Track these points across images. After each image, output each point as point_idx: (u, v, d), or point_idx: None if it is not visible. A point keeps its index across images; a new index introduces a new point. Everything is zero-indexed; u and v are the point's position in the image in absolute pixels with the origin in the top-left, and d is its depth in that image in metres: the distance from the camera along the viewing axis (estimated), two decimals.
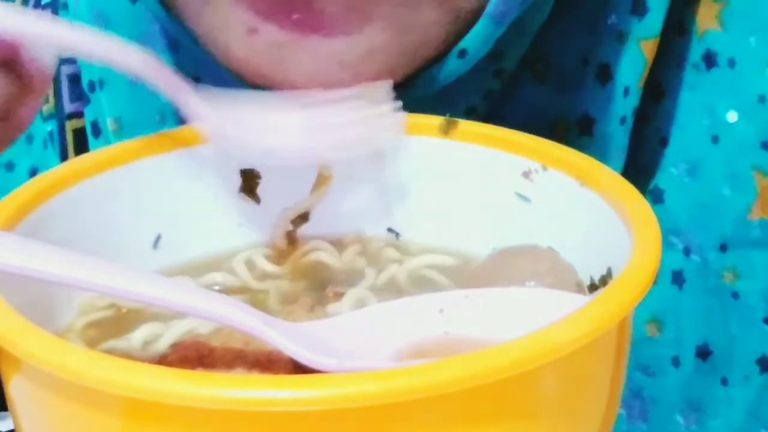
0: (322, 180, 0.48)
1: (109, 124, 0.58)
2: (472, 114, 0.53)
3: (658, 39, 0.53)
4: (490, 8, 0.48)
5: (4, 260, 0.37)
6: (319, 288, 0.45)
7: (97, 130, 0.59)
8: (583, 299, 0.39)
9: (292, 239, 0.48)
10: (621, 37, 0.53)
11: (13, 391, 0.37)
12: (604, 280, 0.41)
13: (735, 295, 0.55)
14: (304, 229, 0.48)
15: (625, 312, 0.36)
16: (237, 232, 0.48)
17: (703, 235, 0.55)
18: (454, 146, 0.47)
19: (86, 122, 0.60)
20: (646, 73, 0.54)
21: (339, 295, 0.44)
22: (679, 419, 0.57)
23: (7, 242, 0.38)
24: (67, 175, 0.44)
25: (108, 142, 0.58)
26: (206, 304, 0.37)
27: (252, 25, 0.47)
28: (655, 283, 0.54)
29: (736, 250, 0.55)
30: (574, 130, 0.54)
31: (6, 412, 0.38)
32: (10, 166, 0.63)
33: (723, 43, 0.54)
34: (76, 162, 0.45)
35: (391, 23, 0.47)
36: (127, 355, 0.41)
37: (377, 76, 0.47)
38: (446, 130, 0.47)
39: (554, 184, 0.44)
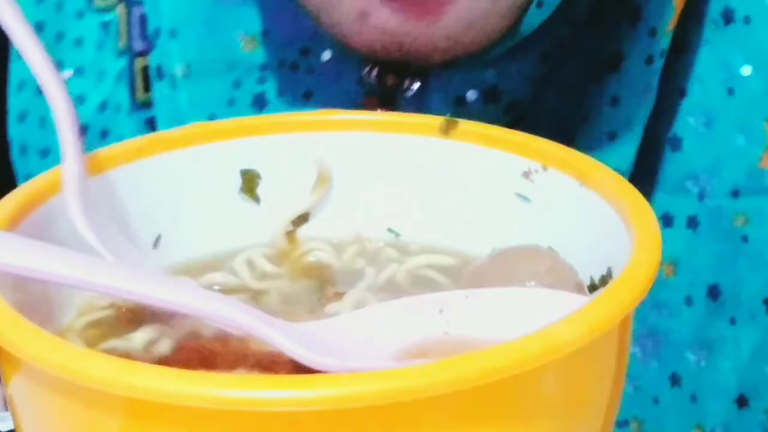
0: (322, 180, 0.48)
1: (178, 69, 0.60)
2: (546, 61, 0.56)
3: None
4: None
5: (4, 260, 0.37)
6: (319, 288, 0.45)
7: (160, 74, 0.61)
8: (583, 299, 0.39)
9: (292, 239, 0.48)
10: None
11: (13, 391, 0.37)
12: (605, 279, 0.41)
13: (745, 238, 0.57)
14: (304, 230, 0.48)
15: (625, 311, 0.36)
16: (237, 232, 0.48)
17: (717, 181, 0.58)
18: (454, 146, 0.47)
19: (150, 64, 0.62)
20: (674, 19, 0.56)
21: (339, 295, 0.44)
22: (690, 356, 0.59)
23: (8, 242, 0.38)
24: None
25: (172, 85, 0.61)
26: (206, 304, 0.37)
27: (364, 8, 0.50)
28: (671, 226, 0.58)
29: (747, 196, 0.57)
30: (606, 66, 0.57)
31: (6, 413, 0.38)
32: (81, 100, 0.65)
33: (739, 0, 0.57)
34: None
35: None
36: (127, 355, 0.41)
37: (476, 43, 0.51)
38: (446, 130, 0.47)
39: (554, 183, 0.44)
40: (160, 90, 0.62)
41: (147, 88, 0.63)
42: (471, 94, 0.55)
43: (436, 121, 0.47)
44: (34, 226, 0.42)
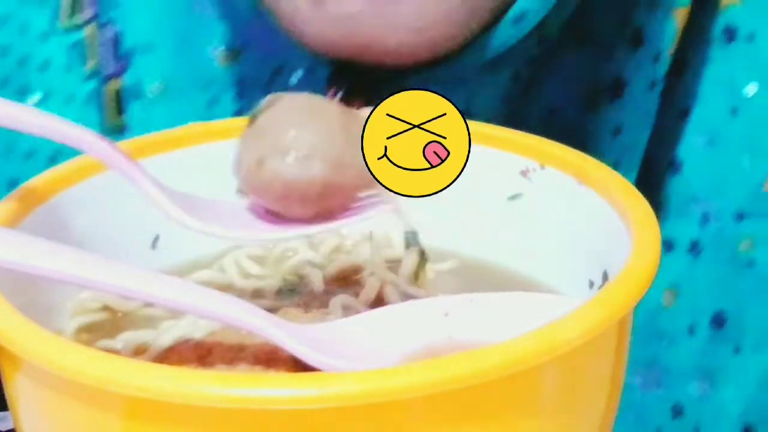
0: None
1: (152, 88, 0.59)
2: (517, 80, 0.54)
3: (689, 6, 0.55)
4: None
5: (6, 256, 0.37)
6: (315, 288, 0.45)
7: (135, 94, 0.60)
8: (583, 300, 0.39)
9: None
10: (654, 4, 0.55)
11: (13, 391, 0.37)
12: (604, 278, 0.41)
13: (750, 263, 0.56)
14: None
15: (625, 310, 0.36)
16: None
17: (721, 204, 0.56)
18: None
19: (125, 85, 0.61)
20: (676, 41, 0.55)
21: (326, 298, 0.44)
22: (693, 386, 0.58)
23: (10, 238, 0.38)
24: (66, 175, 0.44)
25: (147, 105, 0.59)
26: (214, 303, 0.37)
27: None
28: (671, 251, 0.56)
29: (752, 219, 0.56)
30: (607, 93, 0.55)
31: (6, 412, 0.38)
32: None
33: (743, 17, 0.56)
34: (75, 162, 0.45)
35: None
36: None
37: (444, 40, 0.49)
38: None
39: (552, 182, 0.45)
40: (135, 111, 0.60)
41: (119, 111, 0.61)
42: None
43: None
44: (34, 226, 0.42)
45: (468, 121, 0.47)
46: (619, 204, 0.41)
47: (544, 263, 0.45)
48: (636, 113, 0.55)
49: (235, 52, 0.58)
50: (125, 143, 0.47)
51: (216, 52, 0.58)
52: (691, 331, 0.57)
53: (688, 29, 0.56)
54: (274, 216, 0.42)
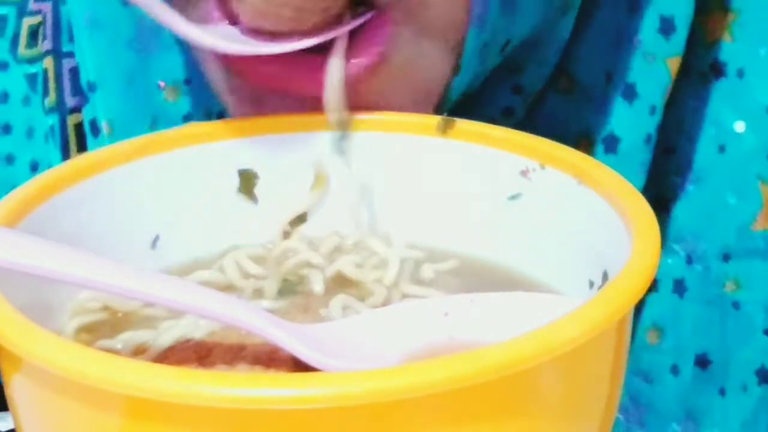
0: (319, 181, 0.48)
1: (103, 126, 0.57)
2: None
3: (681, 56, 0.53)
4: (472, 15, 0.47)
5: (6, 256, 0.37)
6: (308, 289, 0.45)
7: (96, 129, 0.59)
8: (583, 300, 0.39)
9: (290, 240, 0.48)
10: (647, 57, 0.53)
11: (13, 391, 0.37)
12: (604, 278, 0.41)
13: (736, 305, 0.55)
14: (303, 230, 0.48)
15: (624, 310, 0.36)
16: (235, 232, 0.48)
17: (706, 243, 0.55)
18: (452, 145, 0.47)
19: (84, 120, 0.60)
20: (669, 90, 0.54)
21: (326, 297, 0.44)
22: (676, 428, 0.57)
23: (10, 238, 0.38)
24: (66, 174, 0.44)
25: (107, 141, 0.58)
26: (214, 303, 0.37)
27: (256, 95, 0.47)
28: (656, 290, 0.55)
29: (738, 260, 0.55)
30: (599, 147, 0.54)
31: (6, 412, 0.38)
32: (10, 159, 0.62)
33: (732, 53, 0.54)
34: (75, 161, 0.45)
35: None
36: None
37: None
38: (443, 129, 0.47)
39: (552, 182, 0.45)
40: (95, 147, 0.58)
41: (81, 146, 0.60)
42: None
43: (433, 120, 0.47)
44: (34, 225, 0.42)
45: (468, 122, 0.47)
46: (619, 204, 0.41)
47: (544, 263, 0.45)
48: (631, 167, 0.54)
49: (178, 87, 0.57)
50: (126, 143, 0.47)
51: (162, 86, 0.57)
52: (675, 371, 0.56)
53: None
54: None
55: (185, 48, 0.51)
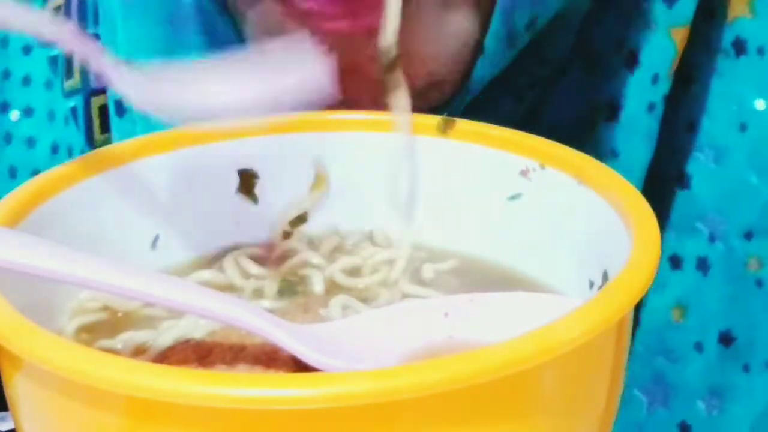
0: (319, 181, 0.48)
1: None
2: (521, 101, 0.53)
3: (689, 26, 0.54)
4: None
5: (6, 256, 0.37)
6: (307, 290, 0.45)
7: (121, 110, 0.59)
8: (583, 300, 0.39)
9: (290, 240, 0.48)
10: (650, 24, 0.53)
11: (13, 391, 0.37)
12: (604, 278, 0.41)
13: (759, 282, 0.55)
14: (303, 230, 0.48)
15: (624, 310, 0.36)
16: (235, 232, 0.48)
17: (729, 222, 0.55)
18: (452, 145, 0.47)
19: (109, 101, 0.60)
20: (676, 61, 0.54)
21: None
22: (701, 405, 0.57)
23: (10, 238, 0.38)
24: (66, 174, 0.44)
25: (132, 121, 0.59)
26: (214, 303, 0.37)
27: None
28: (680, 269, 0.55)
29: (761, 238, 0.55)
30: (603, 115, 0.54)
31: (6, 412, 0.38)
32: (31, 142, 0.63)
33: (753, 30, 0.55)
34: (75, 162, 0.45)
35: None
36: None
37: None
38: (444, 129, 0.47)
39: (552, 182, 0.44)
40: (120, 128, 0.59)
41: (104, 128, 0.61)
42: None
43: (434, 120, 0.47)
44: (34, 225, 0.42)
45: (468, 122, 0.47)
46: (619, 204, 0.41)
47: (544, 263, 0.45)
48: (633, 136, 0.54)
49: None
50: (126, 143, 0.47)
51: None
52: (699, 348, 0.57)
53: (694, 42, 0.55)
54: None
55: (228, 31, 0.51)
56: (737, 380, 0.56)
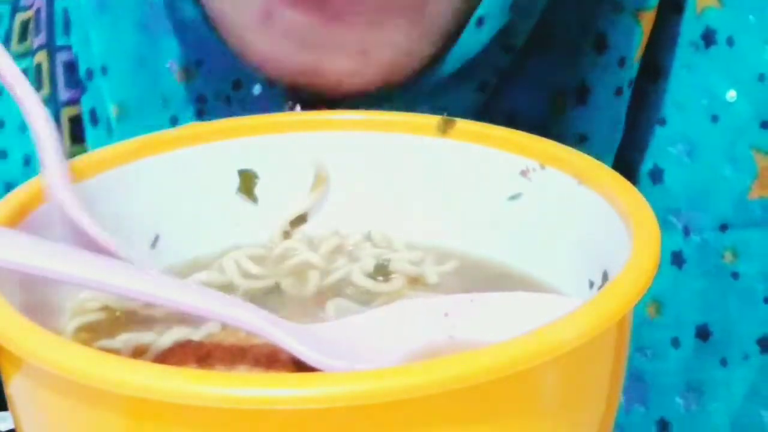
0: (319, 181, 0.48)
1: (112, 110, 0.57)
2: (484, 90, 0.53)
3: (654, 10, 0.53)
4: None
5: (6, 256, 0.37)
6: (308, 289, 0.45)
7: (94, 119, 0.59)
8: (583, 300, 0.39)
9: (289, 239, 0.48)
10: (617, 7, 0.53)
11: (13, 391, 0.37)
12: (604, 278, 0.41)
13: (735, 275, 0.55)
14: (303, 230, 0.48)
15: (624, 310, 0.36)
16: (235, 232, 0.48)
17: (703, 215, 0.55)
18: (451, 145, 0.47)
19: (83, 111, 0.60)
20: (643, 45, 0.54)
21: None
22: (679, 401, 0.57)
23: (10, 238, 0.38)
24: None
25: (107, 130, 0.58)
26: (214, 304, 0.37)
27: (267, 7, 0.47)
28: None
29: (735, 230, 0.55)
30: (571, 99, 0.54)
31: (6, 412, 0.38)
32: (3, 154, 0.63)
33: (722, 20, 0.54)
34: (75, 162, 0.45)
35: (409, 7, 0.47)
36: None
37: (396, 63, 0.48)
38: (443, 129, 0.47)
39: (552, 182, 0.45)
40: (94, 137, 0.59)
41: (75, 139, 0.60)
42: None
43: (433, 120, 0.47)
44: (34, 225, 0.42)
45: (468, 121, 0.47)
46: (619, 204, 0.41)
47: (544, 263, 0.45)
48: (602, 120, 0.54)
49: (191, 69, 0.56)
50: (126, 143, 0.47)
51: (173, 67, 0.57)
52: (676, 344, 0.57)
53: (660, 33, 0.54)
54: None
55: (196, 28, 0.51)
56: (715, 374, 0.56)
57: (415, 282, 0.45)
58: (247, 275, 0.46)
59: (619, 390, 0.39)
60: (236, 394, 0.32)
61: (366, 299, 0.44)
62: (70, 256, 0.37)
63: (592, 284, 0.42)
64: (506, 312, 0.40)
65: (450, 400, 0.33)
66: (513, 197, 0.46)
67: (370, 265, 0.46)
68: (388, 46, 0.48)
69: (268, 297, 0.45)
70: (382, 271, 0.45)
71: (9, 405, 0.38)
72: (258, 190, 0.48)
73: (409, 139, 0.47)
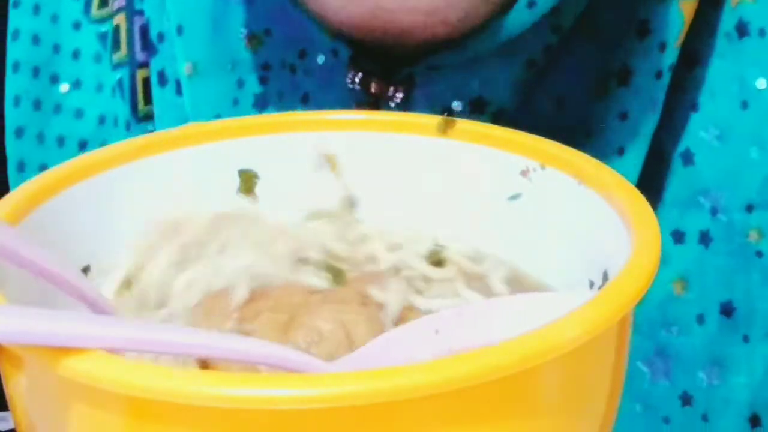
0: (319, 180, 0.48)
1: (184, 69, 0.60)
2: (531, 67, 0.55)
3: (696, 1, 0.56)
4: None
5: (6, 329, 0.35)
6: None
7: (163, 80, 0.61)
8: (583, 300, 0.39)
9: None
10: None
11: (13, 390, 0.37)
12: (604, 278, 0.41)
13: (759, 254, 0.57)
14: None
15: (625, 310, 0.36)
16: None
17: (730, 196, 0.57)
18: (452, 145, 0.47)
19: (152, 72, 0.62)
20: (683, 34, 0.56)
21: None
22: (702, 376, 0.58)
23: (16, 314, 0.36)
24: (66, 174, 0.44)
25: (174, 91, 0.61)
26: (236, 347, 0.36)
27: None
28: (682, 243, 0.57)
29: (761, 210, 0.57)
30: (614, 80, 0.56)
31: (6, 412, 0.38)
32: (80, 114, 0.65)
33: (755, 13, 0.57)
34: (76, 161, 0.45)
35: None
36: None
37: (458, 21, 0.50)
38: (444, 129, 0.47)
39: (552, 182, 0.45)
40: (161, 97, 0.61)
41: (148, 100, 0.63)
42: (456, 105, 0.54)
43: (434, 120, 0.47)
44: (34, 225, 0.42)
45: (468, 121, 0.47)
46: (619, 204, 0.41)
47: (544, 263, 0.45)
48: (642, 101, 0.56)
49: (259, 36, 0.59)
50: (126, 143, 0.47)
51: (244, 35, 0.59)
52: (701, 320, 0.58)
53: (698, 24, 0.57)
54: None
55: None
56: (737, 351, 0.58)
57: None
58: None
59: (619, 389, 0.39)
60: (236, 394, 0.32)
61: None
62: (86, 319, 0.36)
63: (592, 284, 0.42)
64: (506, 312, 0.40)
65: (451, 399, 0.33)
66: (513, 197, 0.46)
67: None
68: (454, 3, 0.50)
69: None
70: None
71: (9, 405, 0.38)
72: (258, 190, 0.48)
73: (409, 139, 0.47)
